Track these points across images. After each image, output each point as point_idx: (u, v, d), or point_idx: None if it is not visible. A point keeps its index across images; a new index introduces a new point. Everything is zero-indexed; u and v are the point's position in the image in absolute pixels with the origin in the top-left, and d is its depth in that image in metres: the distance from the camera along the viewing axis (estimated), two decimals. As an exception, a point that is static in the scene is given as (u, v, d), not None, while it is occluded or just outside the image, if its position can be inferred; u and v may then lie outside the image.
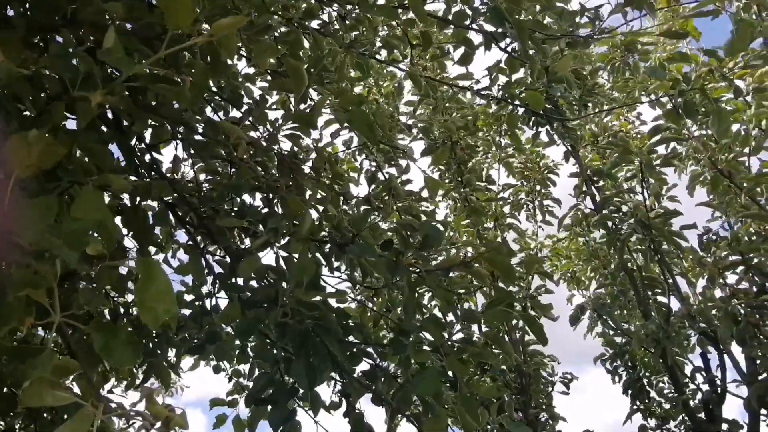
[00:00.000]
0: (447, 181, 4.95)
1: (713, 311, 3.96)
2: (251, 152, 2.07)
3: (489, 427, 4.10)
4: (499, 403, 4.36)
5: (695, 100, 2.91)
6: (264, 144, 1.87)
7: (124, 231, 1.95)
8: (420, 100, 4.01)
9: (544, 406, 4.97)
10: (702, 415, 4.43)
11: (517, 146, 4.58)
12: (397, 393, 1.78)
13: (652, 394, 4.95)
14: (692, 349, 4.60)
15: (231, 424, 2.93)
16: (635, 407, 4.91)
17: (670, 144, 3.97)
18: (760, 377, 3.90)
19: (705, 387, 4.48)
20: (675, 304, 4.49)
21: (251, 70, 2.55)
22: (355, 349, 1.96)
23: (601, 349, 5.06)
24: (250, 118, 2.10)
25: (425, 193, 2.77)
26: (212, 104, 2.48)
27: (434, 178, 2.54)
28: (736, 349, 4.10)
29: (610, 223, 4.53)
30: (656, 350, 4.18)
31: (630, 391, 4.92)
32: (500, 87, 2.96)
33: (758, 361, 3.96)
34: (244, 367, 2.69)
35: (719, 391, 4.32)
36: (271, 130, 1.90)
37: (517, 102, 3.15)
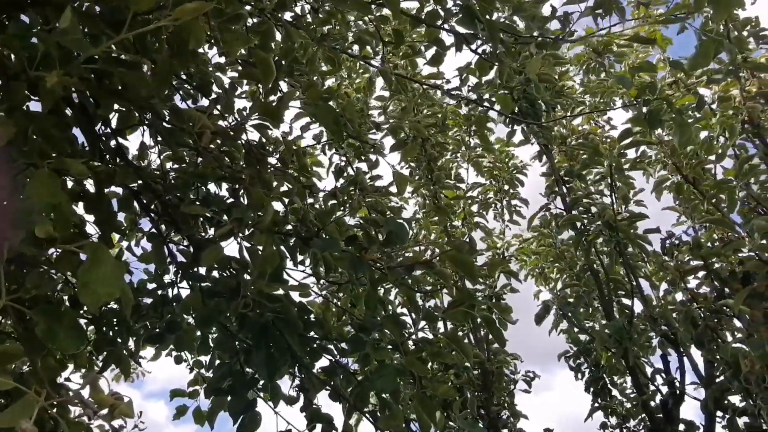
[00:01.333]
0: (417, 178, 4.97)
1: (674, 314, 4.02)
2: (218, 142, 2.05)
3: (450, 423, 4.14)
4: (462, 400, 4.39)
5: (660, 109, 2.95)
6: (231, 134, 1.85)
7: (89, 217, 1.92)
8: (390, 96, 4.01)
9: (506, 404, 5.01)
10: (660, 415, 4.51)
11: (485, 147, 4.60)
12: (355, 389, 1.78)
13: (614, 392, 5.02)
14: (653, 351, 4.67)
15: (192, 416, 2.90)
16: (596, 405, 4.97)
17: (639, 148, 4.02)
18: (717, 380, 3.98)
19: (664, 388, 4.56)
20: (638, 306, 4.56)
21: (222, 60, 2.52)
22: (315, 345, 1.95)
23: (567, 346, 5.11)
24: (218, 107, 2.08)
25: (393, 189, 2.77)
26: (181, 92, 2.44)
27: (403, 173, 2.54)
28: (696, 352, 4.18)
29: (578, 224, 4.58)
30: (618, 351, 4.24)
31: (592, 389, 4.98)
32: (470, 88, 2.96)
33: (716, 364, 4.03)
34: (206, 359, 2.67)
35: (677, 393, 4.40)
36: (238, 119, 1.89)
37: (486, 104, 3.17)
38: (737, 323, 3.75)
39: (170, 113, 1.88)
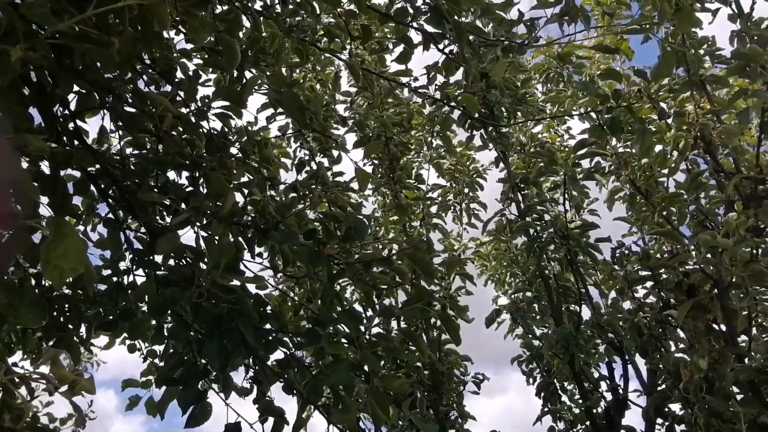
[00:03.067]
0: (379, 176, 4.99)
1: (621, 323, 4.12)
2: (180, 129, 2.02)
3: (400, 423, 4.16)
4: (412, 399, 4.42)
5: (622, 118, 3.02)
6: (193, 120, 1.83)
7: (43, 199, 1.88)
8: (357, 92, 4.01)
9: (455, 405, 5.06)
10: (604, 421, 4.62)
11: (448, 148, 4.65)
12: (308, 383, 1.78)
13: (564, 398, 5.10)
14: (602, 358, 4.77)
15: (143, 406, 2.86)
16: (546, 409, 5.04)
17: (594, 158, 4.11)
18: (658, 388, 4.08)
19: (609, 395, 4.67)
20: (587, 314, 4.66)
21: (189, 46, 2.49)
22: (270, 337, 1.94)
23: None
24: (181, 93, 2.05)
25: (355, 185, 2.77)
26: (145, 77, 2.41)
27: (365, 170, 2.55)
28: (640, 360, 4.28)
29: (531, 231, 4.66)
30: (565, 357, 4.33)
31: (543, 394, 5.05)
32: (437, 87, 2.99)
33: (658, 373, 4.14)
34: (161, 348, 2.64)
35: (620, 400, 4.50)
36: (201, 106, 1.87)
37: (453, 103, 3.20)
38: (681, 334, 3.86)
39: (132, 96, 1.85)
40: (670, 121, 3.68)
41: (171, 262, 2.02)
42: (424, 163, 5.30)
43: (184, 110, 2.02)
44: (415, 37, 2.48)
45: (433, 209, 5.54)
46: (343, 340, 1.81)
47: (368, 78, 2.85)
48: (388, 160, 4.79)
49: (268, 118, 3.18)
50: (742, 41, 3.46)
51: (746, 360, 3.42)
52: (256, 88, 2.10)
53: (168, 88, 2.32)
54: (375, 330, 1.95)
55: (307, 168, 3.07)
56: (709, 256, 3.51)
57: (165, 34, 2.44)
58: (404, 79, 3.17)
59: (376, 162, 4.95)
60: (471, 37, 2.22)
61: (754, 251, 3.46)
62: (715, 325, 3.64)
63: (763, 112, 3.42)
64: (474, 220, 5.64)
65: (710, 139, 3.59)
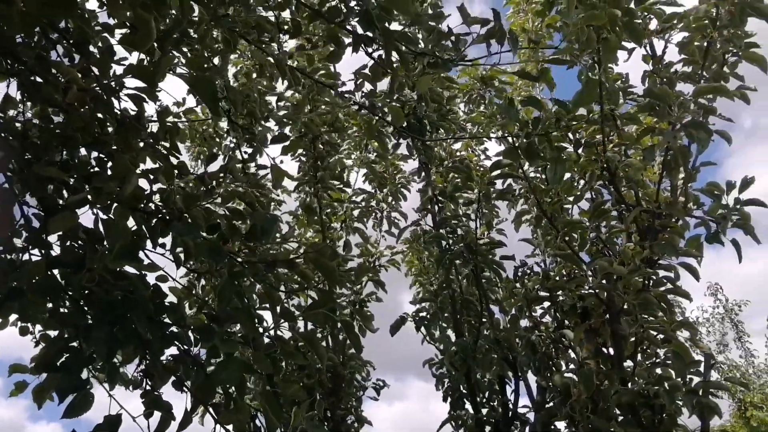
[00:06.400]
0: (301, 174, 4.96)
1: (517, 339, 4.25)
2: (91, 105, 1.94)
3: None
4: (310, 401, 4.40)
5: (541, 143, 3.11)
6: (104, 97, 1.76)
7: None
8: (287, 89, 3.96)
9: (353, 409, 5.07)
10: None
11: (382, 152, 4.67)
12: (198, 380, 1.74)
13: (467, 405, 5.16)
14: (498, 372, 4.87)
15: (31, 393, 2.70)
16: (450, 415, 5.10)
17: (507, 180, 4.23)
18: (547, 405, 4.22)
19: (500, 409, 4.78)
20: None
21: (113, 22, 2.39)
22: (167, 331, 1.88)
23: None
24: (96, 70, 1.97)
25: (271, 184, 2.74)
26: (60, 48, 2.29)
27: (281, 167, 2.52)
28: (532, 377, 4.40)
29: (443, 243, 4.75)
30: (461, 368, 4.41)
31: (449, 399, 5.11)
32: (364, 94, 3.00)
33: (547, 390, 4.28)
34: (55, 333, 2.50)
35: (510, 415, 4.63)
36: (111, 82, 1.80)
37: (380, 114, 3.21)
38: (572, 354, 4.02)
39: (36, 63, 1.76)
40: (580, 150, 3.83)
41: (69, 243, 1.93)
42: (354, 166, 5.30)
43: (96, 87, 1.94)
44: (347, 38, 2.47)
45: (356, 213, 5.55)
46: (240, 340, 1.78)
47: (294, 75, 2.81)
48: (312, 159, 4.76)
49: (198, 101, 3.09)
50: (653, 81, 3.66)
51: (629, 384, 3.60)
52: (172, 71, 2.03)
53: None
54: (278, 332, 1.93)
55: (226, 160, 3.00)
56: (604, 282, 3.68)
57: (83, 5, 2.34)
58: (332, 82, 3.16)
59: (303, 159, 4.92)
60: (401, 46, 2.23)
61: (646, 281, 3.66)
62: (604, 348, 3.81)
63: (666, 151, 3.61)
64: (393, 228, 5.68)
65: (615, 172, 3.76)
